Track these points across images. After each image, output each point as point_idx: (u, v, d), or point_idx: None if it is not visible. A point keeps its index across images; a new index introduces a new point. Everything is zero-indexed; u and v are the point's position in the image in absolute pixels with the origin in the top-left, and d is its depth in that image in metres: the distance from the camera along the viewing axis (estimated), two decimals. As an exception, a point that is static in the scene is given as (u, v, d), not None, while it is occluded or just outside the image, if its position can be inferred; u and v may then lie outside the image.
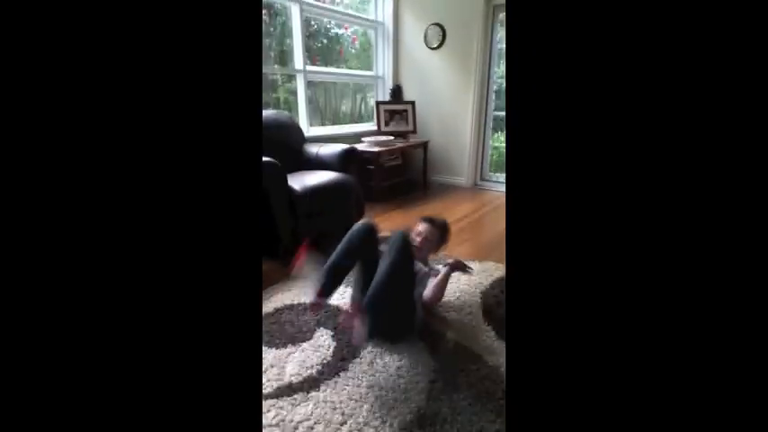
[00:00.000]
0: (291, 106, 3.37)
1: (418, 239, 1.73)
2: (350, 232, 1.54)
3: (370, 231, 1.55)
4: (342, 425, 1.11)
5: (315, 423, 1.11)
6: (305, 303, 1.74)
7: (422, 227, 1.79)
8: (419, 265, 1.66)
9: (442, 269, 1.65)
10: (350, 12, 3.73)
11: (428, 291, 1.60)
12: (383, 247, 1.53)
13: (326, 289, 1.47)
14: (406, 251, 1.45)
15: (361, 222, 1.59)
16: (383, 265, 1.42)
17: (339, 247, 1.51)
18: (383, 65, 4.11)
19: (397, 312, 1.46)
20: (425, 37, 3.88)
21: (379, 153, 3.33)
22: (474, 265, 2.07)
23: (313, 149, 2.80)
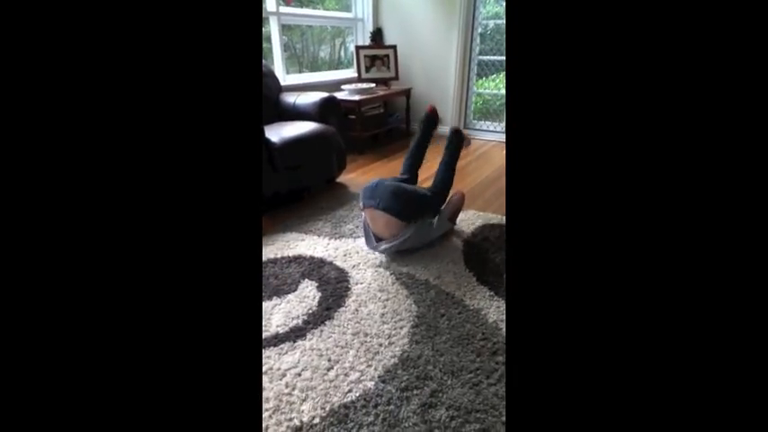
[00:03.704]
0: (266, 53, 3.19)
1: None
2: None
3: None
4: (328, 370, 1.15)
5: (302, 370, 1.15)
6: (288, 256, 1.75)
7: None
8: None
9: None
10: (324, -55, 3.44)
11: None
12: None
13: None
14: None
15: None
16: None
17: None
18: (362, 5, 3.87)
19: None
20: (406, -26, 3.64)
21: (359, 102, 3.22)
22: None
23: (290, 99, 2.69)
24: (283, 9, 3.11)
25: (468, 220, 2.06)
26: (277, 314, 1.38)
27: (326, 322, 1.35)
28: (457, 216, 1.97)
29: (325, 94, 2.65)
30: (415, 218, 1.69)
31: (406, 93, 3.80)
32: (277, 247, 1.82)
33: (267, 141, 2.11)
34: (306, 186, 2.40)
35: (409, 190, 1.72)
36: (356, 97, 3.24)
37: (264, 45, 3.18)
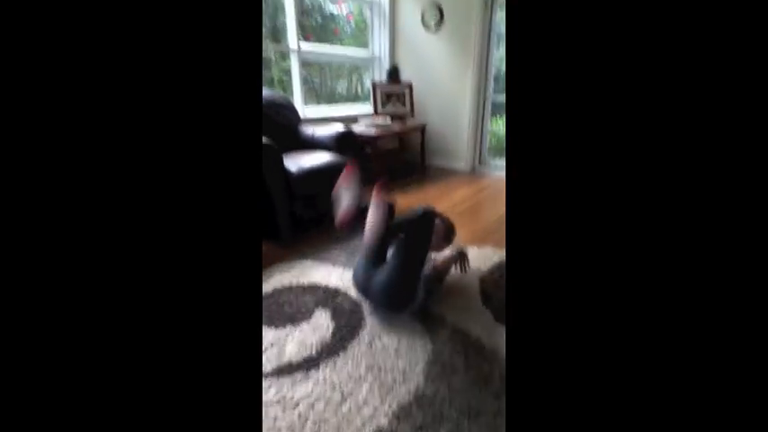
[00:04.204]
0: (285, 86, 3.30)
1: None
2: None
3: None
4: (341, 403, 1.12)
5: (315, 401, 1.12)
6: (303, 284, 1.73)
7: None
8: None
9: (450, 252, 1.76)
10: (345, -12, 3.62)
11: (438, 260, 1.72)
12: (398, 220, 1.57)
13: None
14: (428, 228, 1.51)
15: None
16: (402, 243, 1.49)
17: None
18: (379, 44, 4.02)
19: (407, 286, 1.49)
20: (423, 17, 3.80)
21: (376, 136, 3.29)
22: (472, 250, 2.07)
23: (308, 130, 2.75)
24: (304, 45, 3.24)
25: (485, 257, 2.04)
26: (291, 342, 1.36)
27: (340, 353, 1.32)
28: (448, 272, 1.75)
29: (342, 127, 2.72)
30: (418, 286, 1.52)
31: (421, 128, 3.88)
32: (292, 275, 1.81)
33: (286, 170, 2.15)
34: (322, 213, 2.41)
35: (395, 275, 1.46)
36: (372, 131, 3.30)
37: (284, 78, 3.30)
